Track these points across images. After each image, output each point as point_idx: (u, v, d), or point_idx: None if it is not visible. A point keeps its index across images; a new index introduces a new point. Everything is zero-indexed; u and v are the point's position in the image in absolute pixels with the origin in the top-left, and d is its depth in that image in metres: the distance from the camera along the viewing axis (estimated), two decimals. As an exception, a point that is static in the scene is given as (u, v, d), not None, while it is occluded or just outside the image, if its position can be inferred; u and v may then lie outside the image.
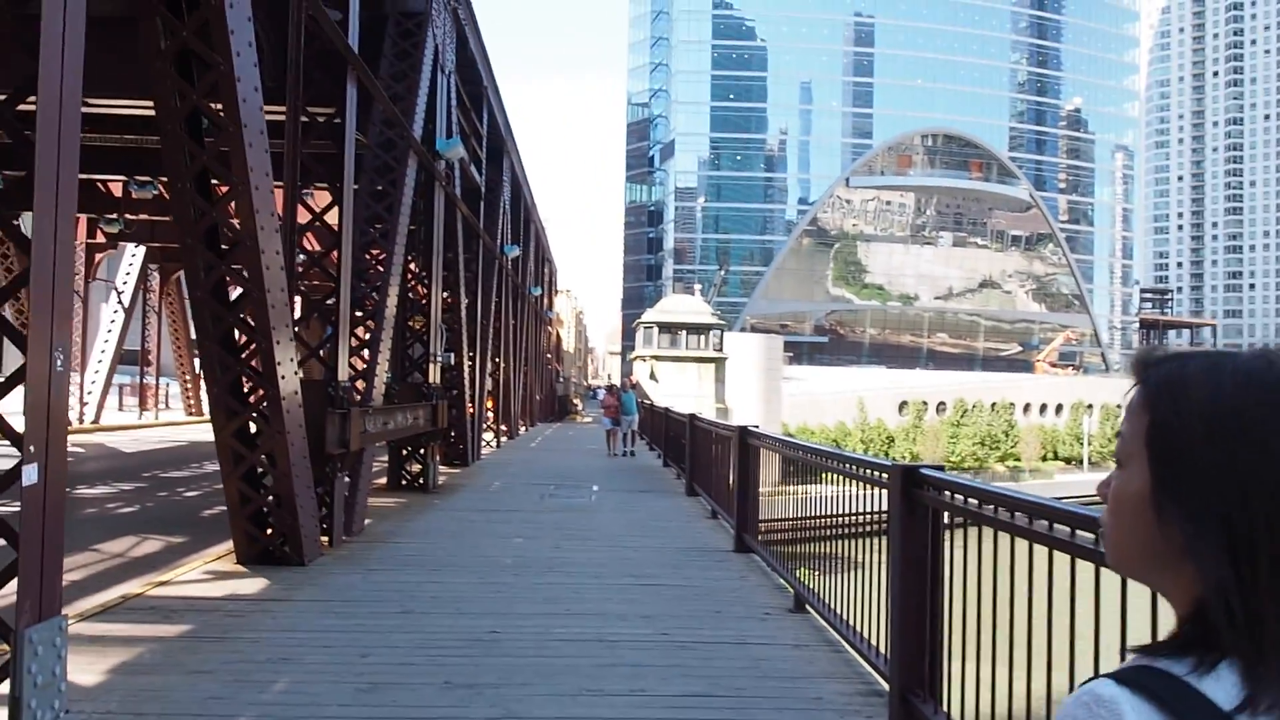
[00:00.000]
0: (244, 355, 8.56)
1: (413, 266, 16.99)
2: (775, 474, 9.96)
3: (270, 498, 9.17)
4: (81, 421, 31.38)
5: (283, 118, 10.58)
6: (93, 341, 32.63)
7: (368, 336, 12.97)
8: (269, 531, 9.28)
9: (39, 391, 4.89)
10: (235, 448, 8.80)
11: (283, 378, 8.65)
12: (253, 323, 8.36)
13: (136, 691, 5.59)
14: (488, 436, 28.13)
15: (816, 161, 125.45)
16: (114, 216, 26.17)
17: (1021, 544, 3.83)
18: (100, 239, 31.91)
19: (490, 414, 29.39)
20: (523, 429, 38.92)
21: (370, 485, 16.58)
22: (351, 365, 12.71)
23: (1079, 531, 3.44)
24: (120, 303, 31.86)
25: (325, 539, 10.50)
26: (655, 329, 51.22)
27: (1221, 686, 0.99)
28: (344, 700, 5.44)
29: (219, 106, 7.83)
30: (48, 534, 5.06)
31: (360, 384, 12.43)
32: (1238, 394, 1.04)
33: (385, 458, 17.41)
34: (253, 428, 9.09)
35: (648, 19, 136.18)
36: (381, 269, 13.22)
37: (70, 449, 19.20)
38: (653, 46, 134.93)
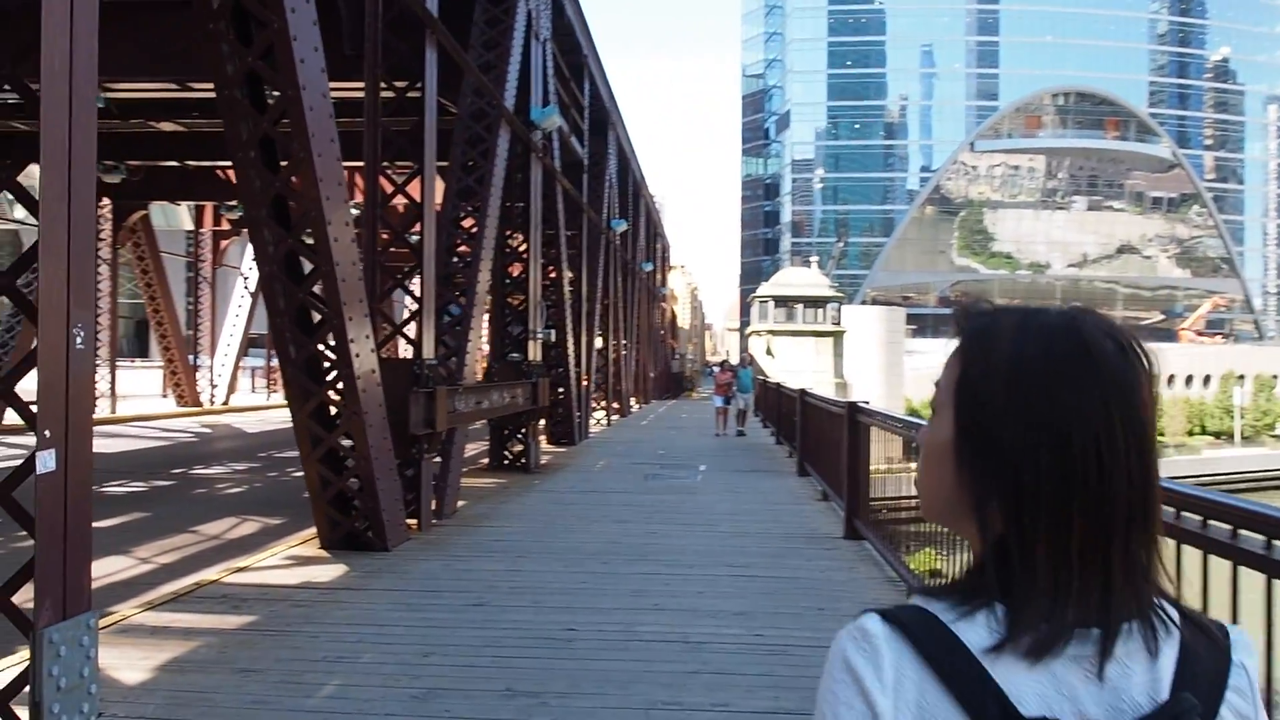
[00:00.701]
0: (317, 333, 8.15)
1: (512, 242, 16.56)
2: (890, 452, 9.16)
3: (351, 480, 8.80)
4: (212, 403, 32.27)
5: (363, 92, 10.20)
6: (221, 326, 33.39)
7: (459, 313, 12.55)
8: (352, 516, 8.91)
9: (54, 371, 4.46)
10: (313, 429, 8.43)
11: (357, 355, 8.23)
12: (324, 298, 7.94)
13: (179, 692, 5.20)
14: (598, 414, 27.74)
15: (939, 127, 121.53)
16: (234, 203, 26.44)
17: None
18: (225, 225, 32.62)
19: (599, 391, 29.00)
20: (636, 406, 38.50)
21: (466, 466, 16.33)
22: (444, 343, 12.33)
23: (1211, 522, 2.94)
24: (246, 288, 32.53)
25: (414, 522, 10.13)
26: (771, 303, 50.07)
27: (975, 630, 1.01)
28: (393, 709, 4.93)
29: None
30: (71, 526, 4.65)
31: (451, 362, 12.03)
32: (1038, 349, 1.07)
33: (487, 438, 17.08)
34: (332, 409, 8.72)
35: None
36: (473, 244, 12.78)
37: (198, 430, 19.60)
38: (767, 15, 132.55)
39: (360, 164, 11.75)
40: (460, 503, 11.98)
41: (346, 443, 8.63)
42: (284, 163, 7.64)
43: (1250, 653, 1.06)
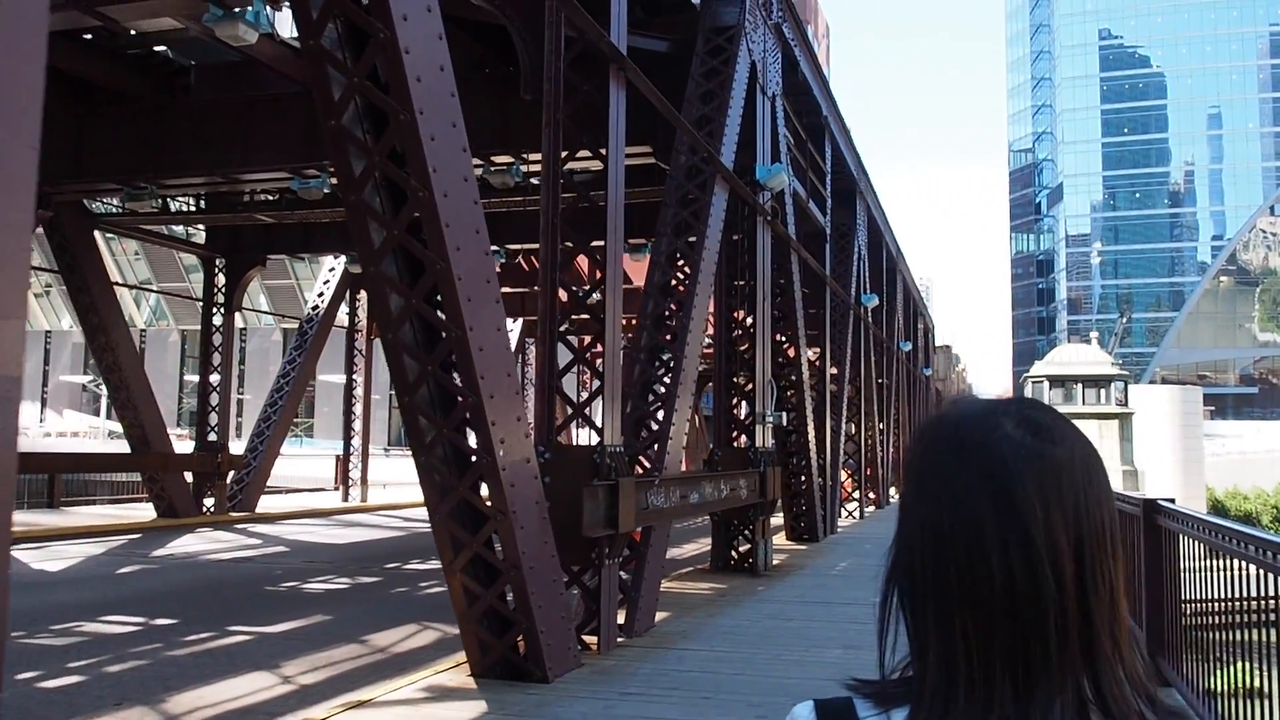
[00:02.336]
0: (450, 415, 6.70)
1: (738, 314, 14.91)
2: (1212, 578, 6.68)
3: (506, 595, 7.25)
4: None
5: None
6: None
7: (663, 392, 10.93)
8: (507, 637, 7.34)
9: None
10: (454, 532, 6.95)
11: (501, 442, 6.73)
12: (459, 373, 6.51)
13: None
14: (850, 506, 25.38)
15: (1231, 192, 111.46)
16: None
17: None
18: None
19: (850, 481, 26.59)
20: (895, 496, 35.59)
21: (688, 567, 14.54)
22: (647, 426, 10.74)
23: None
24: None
25: (594, 640, 8.47)
26: (1045, 383, 45.85)
27: None
28: None
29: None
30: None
31: (652, 450, 10.41)
32: (922, 445, 1.07)
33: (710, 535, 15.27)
34: (478, 506, 7.24)
35: (1026, 61, 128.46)
36: (680, 312, 11.21)
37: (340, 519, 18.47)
38: (1034, 88, 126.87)
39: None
40: (661, 615, 10.23)
41: (498, 548, 7.11)
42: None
43: None
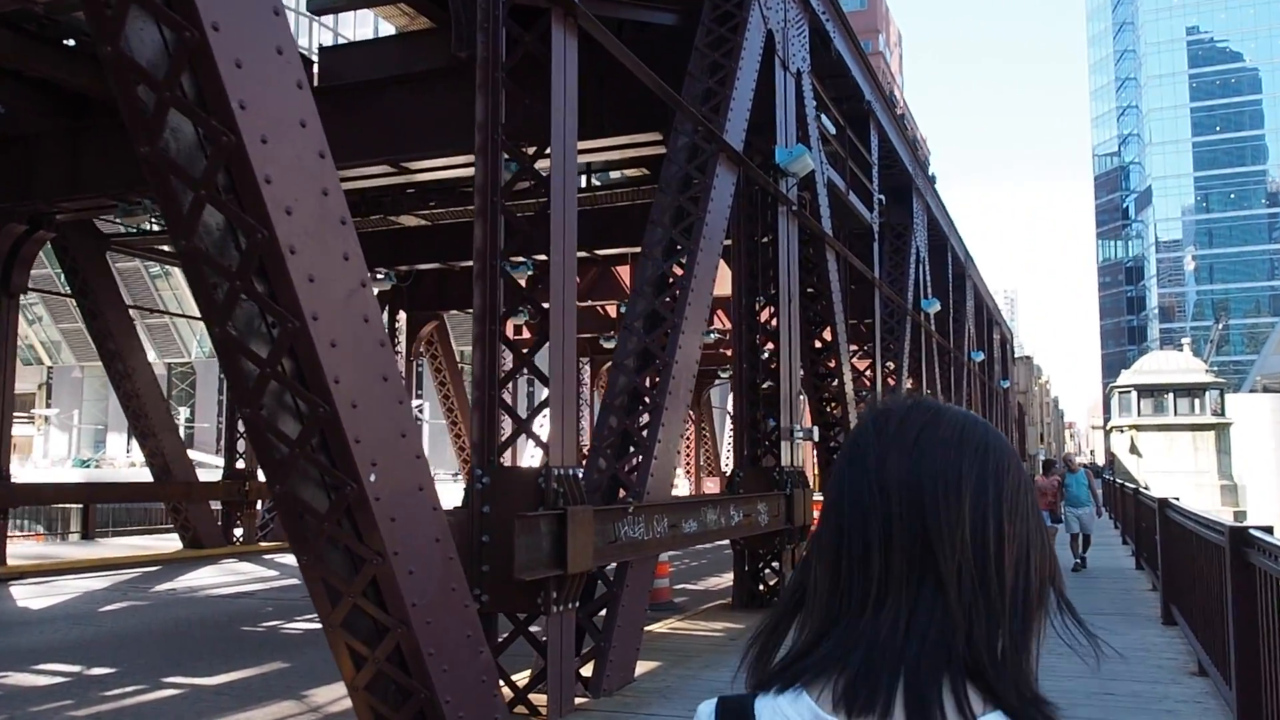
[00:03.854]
0: (303, 430, 5.22)
1: (761, 317, 13.27)
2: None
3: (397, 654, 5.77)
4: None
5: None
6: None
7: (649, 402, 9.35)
8: (410, 709, 5.84)
9: None
10: (327, 578, 5.49)
11: (373, 465, 5.26)
12: (305, 378, 5.05)
13: None
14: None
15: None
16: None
17: None
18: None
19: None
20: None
21: (712, 602, 12.94)
22: (635, 442, 9.20)
23: None
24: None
25: (542, 702, 6.96)
26: (1134, 393, 43.01)
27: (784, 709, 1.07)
28: None
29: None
30: None
31: (631, 472, 8.86)
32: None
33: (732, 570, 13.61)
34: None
35: (1110, 62, 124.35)
36: (674, 311, 9.64)
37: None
38: (1119, 90, 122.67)
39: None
40: (648, 666, 8.65)
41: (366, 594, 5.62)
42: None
43: None
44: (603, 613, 8.23)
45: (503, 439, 7.39)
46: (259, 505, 23.51)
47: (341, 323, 5.11)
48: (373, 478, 5.27)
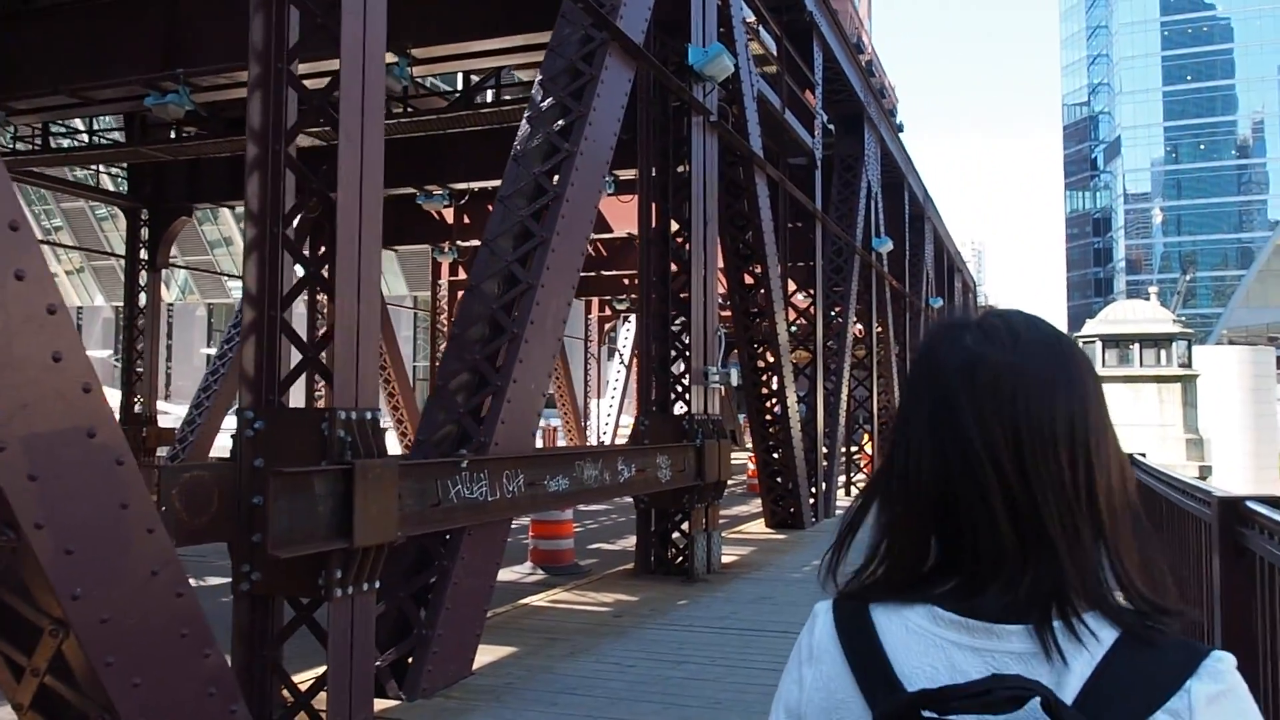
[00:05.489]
0: None
1: (679, 240, 11.58)
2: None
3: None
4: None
5: None
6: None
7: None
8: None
9: None
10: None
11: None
12: None
13: None
14: (861, 481, 22.08)
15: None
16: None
17: None
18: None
19: (861, 455, 23.29)
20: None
21: (617, 567, 11.44)
22: (488, 382, 7.56)
23: None
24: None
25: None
26: (1099, 343, 41.72)
27: (892, 617, 1.11)
28: None
29: None
30: None
31: (471, 414, 7.24)
32: (910, 365, 1.25)
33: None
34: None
35: (1082, 8, 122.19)
36: (544, 224, 7.96)
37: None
38: (1090, 38, 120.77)
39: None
40: (501, 653, 7.14)
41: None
42: None
43: (1214, 678, 1.02)
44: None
45: (286, 375, 5.75)
46: (158, 453, 21.80)
47: None
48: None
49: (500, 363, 7.37)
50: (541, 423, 40.38)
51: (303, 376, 5.80)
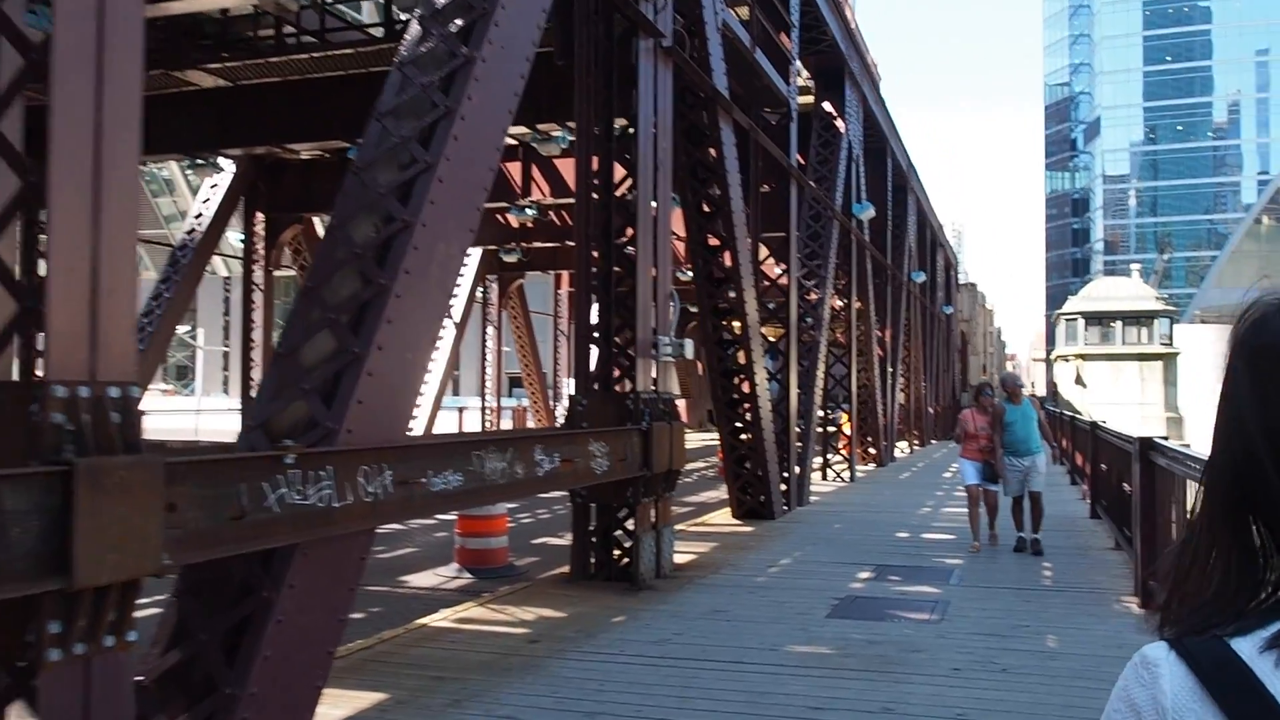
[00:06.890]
0: None
1: (621, 190, 9.81)
2: None
3: None
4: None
5: None
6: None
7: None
8: None
9: None
10: None
11: None
12: None
13: None
14: (839, 467, 20.42)
15: (1278, 123, 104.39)
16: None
17: None
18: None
19: (843, 437, 21.59)
20: (907, 450, 30.60)
21: (550, 571, 9.70)
22: (343, 352, 5.75)
23: None
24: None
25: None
26: (1080, 321, 40.36)
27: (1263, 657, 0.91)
28: None
29: None
30: None
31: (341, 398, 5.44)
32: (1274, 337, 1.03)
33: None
34: None
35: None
36: (428, 144, 6.16)
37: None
38: (1072, 17, 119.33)
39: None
40: (372, 699, 5.39)
41: None
42: None
43: None
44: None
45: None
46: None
47: None
48: None
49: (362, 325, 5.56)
50: (513, 403, 38.35)
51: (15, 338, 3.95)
